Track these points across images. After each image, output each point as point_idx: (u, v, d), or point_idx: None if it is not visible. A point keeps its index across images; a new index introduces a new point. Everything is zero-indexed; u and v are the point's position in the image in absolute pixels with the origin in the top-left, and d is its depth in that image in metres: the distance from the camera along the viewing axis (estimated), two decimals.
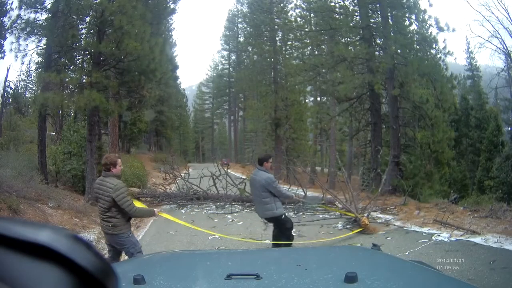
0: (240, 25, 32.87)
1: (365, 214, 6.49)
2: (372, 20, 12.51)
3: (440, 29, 11.09)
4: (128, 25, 8.16)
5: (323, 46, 15.31)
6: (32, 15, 8.96)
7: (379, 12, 12.16)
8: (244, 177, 10.90)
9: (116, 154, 3.84)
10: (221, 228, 6.68)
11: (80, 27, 9.63)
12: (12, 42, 9.01)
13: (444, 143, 11.87)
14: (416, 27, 11.70)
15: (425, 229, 6.08)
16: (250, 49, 25.16)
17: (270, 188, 4.16)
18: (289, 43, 20.91)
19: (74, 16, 9.14)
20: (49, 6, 9.04)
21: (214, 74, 39.57)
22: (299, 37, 15.45)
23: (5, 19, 9.58)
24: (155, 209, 3.59)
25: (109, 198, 3.26)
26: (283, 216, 4.31)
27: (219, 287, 1.08)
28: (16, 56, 9.13)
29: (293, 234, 4.76)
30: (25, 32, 8.90)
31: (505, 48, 16.82)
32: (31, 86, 25.40)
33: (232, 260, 1.53)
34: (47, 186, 8.51)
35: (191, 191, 9.77)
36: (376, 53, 12.16)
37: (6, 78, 17.27)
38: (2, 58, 10.57)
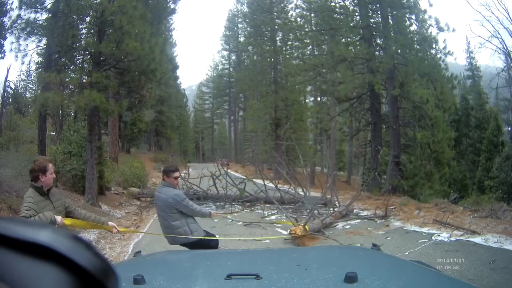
0: (240, 25, 32.87)
1: (304, 224, 5.77)
2: (372, 20, 12.52)
3: (440, 29, 11.10)
4: (128, 25, 8.16)
5: (323, 46, 15.31)
6: (32, 15, 8.98)
7: (379, 12, 12.16)
8: (244, 177, 10.91)
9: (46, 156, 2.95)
10: (221, 228, 6.69)
11: (80, 27, 9.63)
12: (12, 42, 9.03)
13: (444, 143, 11.88)
14: (416, 27, 11.73)
15: (425, 229, 6.08)
16: (250, 49, 25.14)
17: (181, 207, 3.29)
18: (289, 43, 20.88)
19: (74, 16, 9.13)
20: (49, 6, 9.04)
21: (214, 74, 39.56)
22: (299, 37, 15.45)
23: (5, 19, 9.58)
24: (57, 217, 2.42)
25: None
26: (203, 238, 3.36)
27: (219, 287, 1.08)
28: (16, 56, 9.14)
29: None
30: (25, 32, 8.90)
31: (505, 48, 16.84)
32: (31, 86, 25.37)
33: (232, 260, 1.53)
34: None
35: (191, 191, 9.78)
36: (376, 53, 12.16)
37: (6, 78, 17.25)
38: (2, 58, 10.57)
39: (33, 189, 2.50)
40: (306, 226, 5.66)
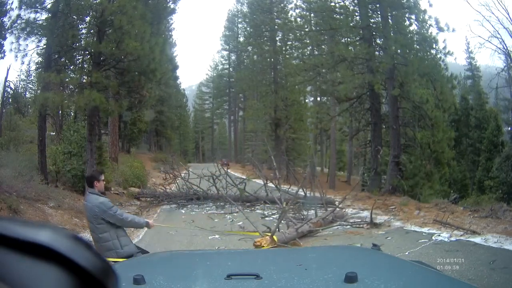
0: (240, 25, 32.86)
1: (271, 234, 5.05)
2: (372, 20, 12.51)
3: (440, 29, 11.10)
4: (128, 25, 8.17)
5: (323, 46, 15.30)
6: (32, 15, 8.98)
7: (379, 12, 12.15)
8: (244, 177, 10.90)
9: None
10: (221, 228, 6.69)
11: (80, 27, 9.64)
12: (12, 42, 9.04)
13: (444, 143, 11.87)
14: (416, 27, 11.72)
15: (425, 229, 6.09)
16: (250, 49, 25.16)
17: (107, 216, 2.92)
18: (289, 43, 20.89)
19: (74, 16, 9.14)
20: (49, 6, 9.04)
21: (214, 74, 39.55)
22: (299, 37, 15.44)
23: (5, 19, 9.57)
24: None
25: None
26: (134, 255, 2.91)
27: (219, 287, 1.08)
28: (16, 56, 9.15)
29: None
30: (25, 32, 8.91)
31: (505, 48, 16.83)
32: (31, 86, 25.36)
33: (232, 260, 1.53)
34: (47, 186, 8.51)
35: (191, 191, 9.78)
36: (376, 53, 12.15)
37: (6, 78, 17.21)
38: (2, 58, 10.56)
39: None
40: (274, 237, 4.90)
